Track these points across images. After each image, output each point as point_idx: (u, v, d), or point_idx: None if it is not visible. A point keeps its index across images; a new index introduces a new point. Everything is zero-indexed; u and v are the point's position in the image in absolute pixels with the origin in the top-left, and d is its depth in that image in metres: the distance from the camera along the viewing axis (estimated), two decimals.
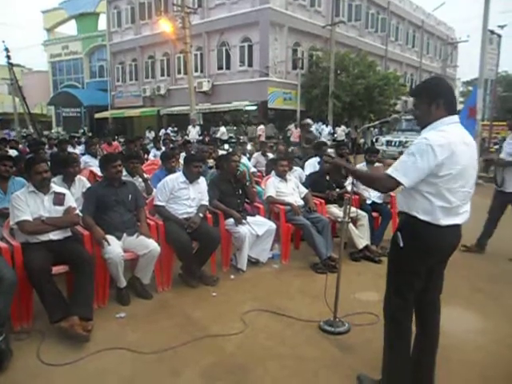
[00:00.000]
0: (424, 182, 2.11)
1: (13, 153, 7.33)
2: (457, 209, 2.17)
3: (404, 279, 2.29)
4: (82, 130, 27.30)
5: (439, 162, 2.05)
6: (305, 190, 5.19)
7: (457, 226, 2.22)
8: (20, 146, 10.80)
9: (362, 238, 4.94)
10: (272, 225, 4.67)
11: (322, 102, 21.70)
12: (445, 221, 2.15)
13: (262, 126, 19.04)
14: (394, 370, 2.36)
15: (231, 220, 4.49)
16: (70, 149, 8.60)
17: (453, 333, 3.08)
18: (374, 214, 5.29)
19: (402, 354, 2.33)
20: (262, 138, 17.90)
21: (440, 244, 2.21)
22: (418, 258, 2.22)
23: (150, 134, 20.37)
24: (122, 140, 16.22)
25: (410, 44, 32.85)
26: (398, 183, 2.10)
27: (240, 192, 4.83)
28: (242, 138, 18.33)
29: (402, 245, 2.22)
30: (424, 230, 2.16)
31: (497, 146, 19.32)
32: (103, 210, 3.80)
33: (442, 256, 2.30)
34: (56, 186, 3.64)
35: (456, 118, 2.20)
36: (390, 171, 2.13)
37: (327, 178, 5.55)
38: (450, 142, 2.08)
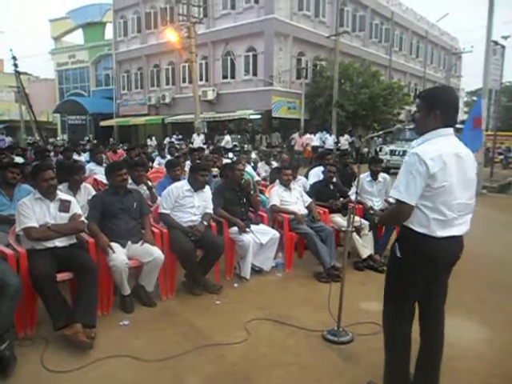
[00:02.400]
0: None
1: (19, 160, 7.39)
2: (453, 221, 2.17)
3: (400, 289, 2.31)
4: (87, 138, 27.47)
5: (431, 175, 2.07)
6: (309, 199, 5.20)
7: (456, 237, 2.21)
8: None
9: (365, 247, 4.94)
10: (276, 233, 4.68)
11: (326, 111, 21.77)
12: (441, 232, 2.15)
13: (308, 135, 18.73)
14: (392, 379, 2.36)
15: (235, 228, 4.50)
16: (75, 156, 8.66)
17: (456, 342, 3.06)
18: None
19: (399, 364, 2.33)
20: (309, 148, 17.53)
21: (437, 255, 2.20)
22: (415, 268, 2.23)
23: (152, 142, 20.48)
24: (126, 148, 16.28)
25: (414, 54, 32.97)
26: (409, 206, 2.11)
27: (244, 200, 4.85)
28: (246, 146, 18.37)
29: (399, 255, 2.25)
30: (421, 241, 2.17)
31: (501, 156, 19.34)
32: (108, 217, 3.83)
33: (441, 266, 2.28)
34: (62, 193, 3.67)
35: (450, 130, 2.21)
36: (396, 196, 2.15)
37: (331, 187, 5.56)
38: (441, 154, 2.09)
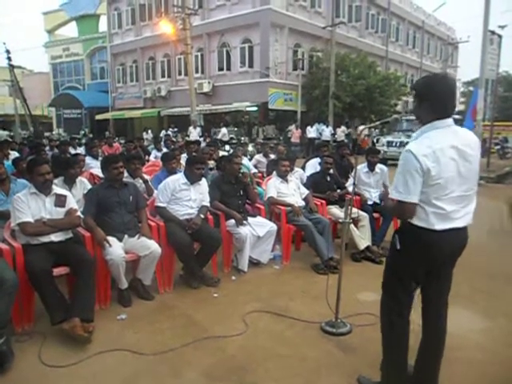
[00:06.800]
0: None
1: (14, 154, 7.35)
2: (454, 213, 2.13)
3: (399, 281, 2.29)
4: (82, 132, 27.33)
5: (426, 172, 2.02)
6: (306, 191, 5.19)
7: (457, 230, 2.15)
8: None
9: (363, 238, 4.94)
10: (273, 226, 4.67)
11: (323, 102, 21.69)
12: (440, 226, 2.11)
13: (362, 126, 18.61)
14: (390, 371, 2.36)
15: (232, 221, 4.49)
16: (71, 150, 8.60)
17: (454, 332, 3.05)
18: (375, 215, 5.28)
19: (398, 356, 2.32)
20: (367, 138, 17.06)
21: (436, 248, 2.15)
22: (414, 261, 2.20)
23: (148, 135, 20.40)
24: (122, 141, 16.22)
25: (411, 44, 32.85)
26: (412, 204, 2.07)
27: (241, 193, 4.83)
28: (243, 139, 18.32)
29: (398, 247, 2.22)
30: (420, 235, 2.13)
31: (498, 147, 19.35)
32: (104, 211, 3.81)
33: (440, 259, 2.22)
34: (57, 188, 3.65)
35: (448, 121, 2.12)
36: (397, 197, 2.09)
37: (328, 178, 5.55)
38: (435, 150, 2.02)
